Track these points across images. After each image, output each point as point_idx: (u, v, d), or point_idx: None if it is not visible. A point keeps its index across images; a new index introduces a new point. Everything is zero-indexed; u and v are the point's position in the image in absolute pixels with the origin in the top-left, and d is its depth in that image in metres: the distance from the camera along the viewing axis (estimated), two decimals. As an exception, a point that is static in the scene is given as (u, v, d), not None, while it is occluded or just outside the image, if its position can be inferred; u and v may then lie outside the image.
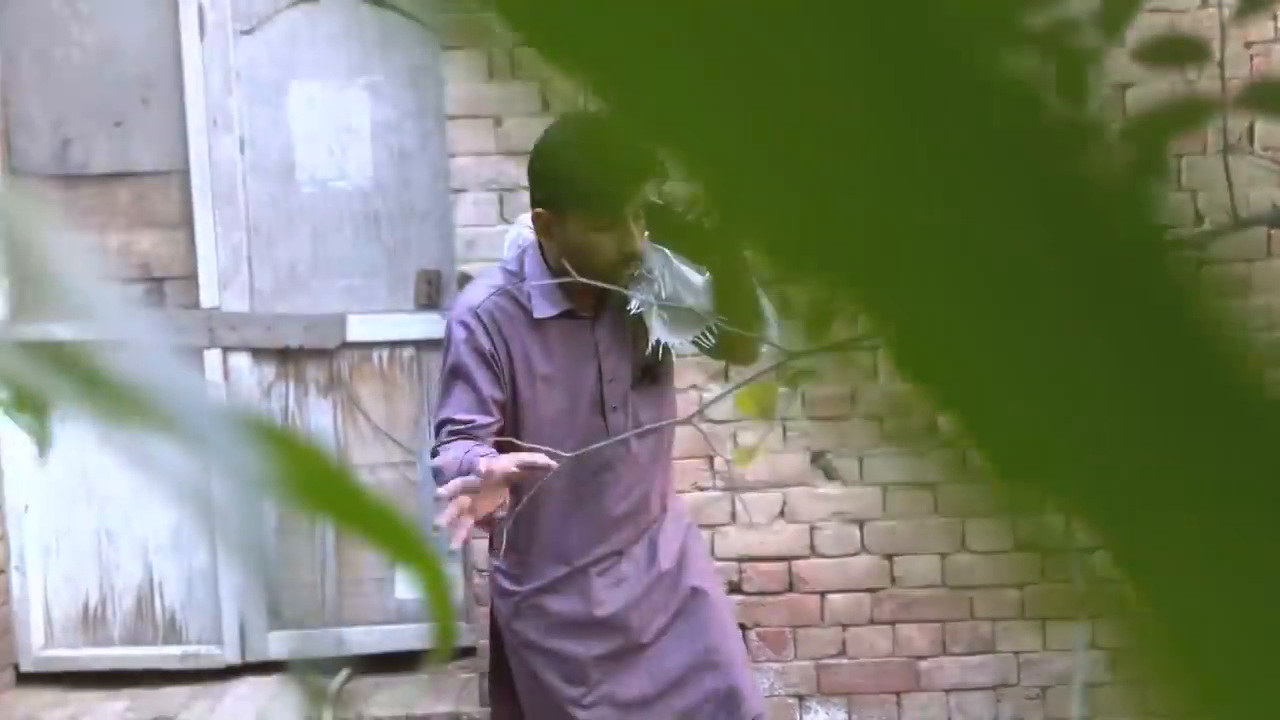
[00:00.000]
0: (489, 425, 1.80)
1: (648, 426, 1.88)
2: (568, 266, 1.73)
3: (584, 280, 1.66)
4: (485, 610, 2.91)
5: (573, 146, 1.69)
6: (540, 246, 1.84)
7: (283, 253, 3.24)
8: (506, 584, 1.96)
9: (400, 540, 0.27)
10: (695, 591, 1.97)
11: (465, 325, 1.80)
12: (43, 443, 1.03)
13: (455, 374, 1.81)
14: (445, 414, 1.82)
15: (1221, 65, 0.59)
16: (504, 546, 1.94)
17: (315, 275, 3.25)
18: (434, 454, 1.83)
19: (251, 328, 3.22)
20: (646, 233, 1.80)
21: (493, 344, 1.80)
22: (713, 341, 1.84)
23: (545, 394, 1.84)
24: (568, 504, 1.89)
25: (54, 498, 3.28)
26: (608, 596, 1.93)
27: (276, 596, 3.28)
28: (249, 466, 0.24)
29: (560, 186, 1.70)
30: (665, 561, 1.95)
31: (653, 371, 1.89)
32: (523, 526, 1.89)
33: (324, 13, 3.20)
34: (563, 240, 1.74)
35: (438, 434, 1.85)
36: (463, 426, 1.80)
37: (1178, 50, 0.56)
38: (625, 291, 1.78)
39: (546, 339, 1.83)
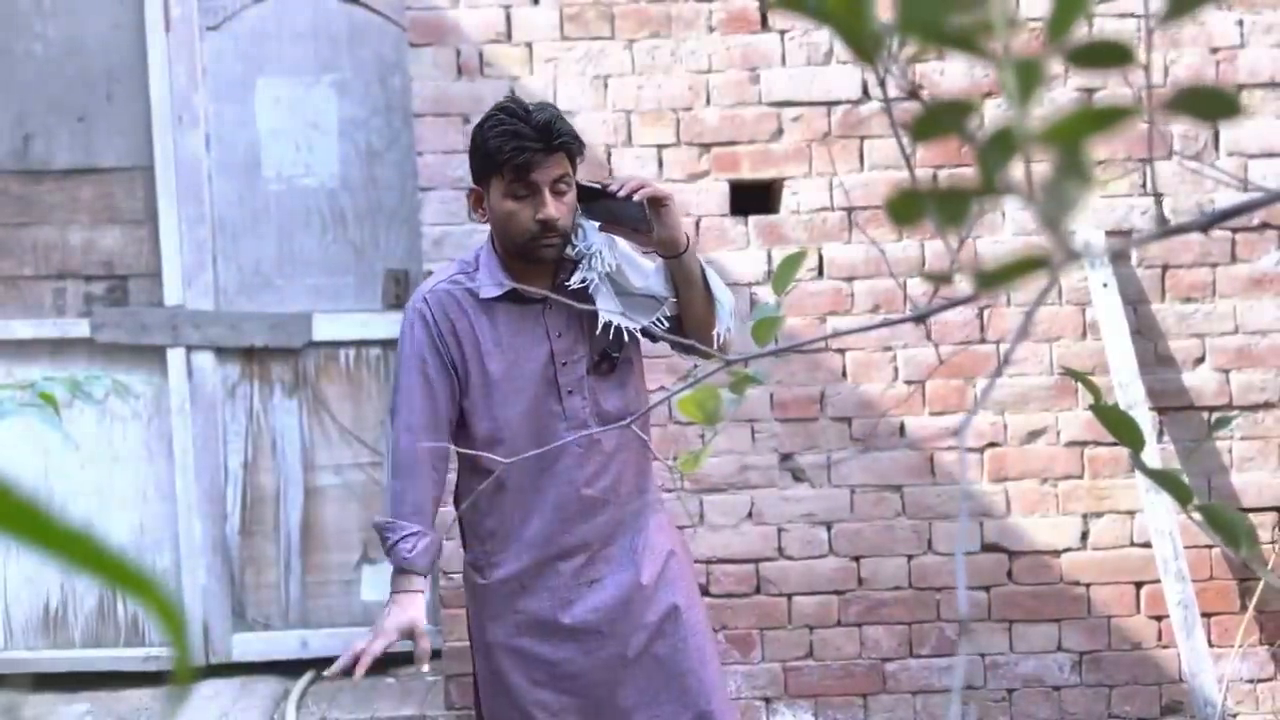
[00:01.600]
0: (439, 420, 1.86)
1: (599, 428, 1.87)
2: (504, 247, 1.83)
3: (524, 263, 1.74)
4: (452, 613, 2.90)
5: (492, 122, 1.79)
6: (491, 238, 1.90)
7: (248, 250, 3.21)
8: (476, 578, 1.95)
9: (104, 563, 0.26)
10: (674, 610, 1.93)
11: (415, 310, 1.88)
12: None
13: (407, 360, 1.88)
14: (398, 402, 1.89)
15: (1147, 69, 0.58)
16: (468, 536, 1.96)
17: (281, 273, 3.22)
18: (394, 460, 1.89)
19: (216, 326, 3.18)
20: (594, 221, 1.84)
21: (439, 329, 1.86)
22: (665, 325, 1.86)
23: (496, 375, 1.86)
24: (527, 491, 1.89)
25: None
26: (578, 598, 1.90)
27: (241, 598, 3.25)
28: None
29: (481, 160, 1.81)
30: (646, 576, 1.92)
31: (611, 358, 1.89)
32: (484, 516, 1.91)
33: (291, 9, 3.17)
34: (491, 212, 1.83)
35: (392, 420, 1.91)
36: (415, 436, 1.85)
37: (1105, 53, 0.55)
38: (573, 268, 1.83)
39: (495, 321, 1.86)
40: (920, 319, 0.68)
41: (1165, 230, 0.53)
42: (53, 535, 0.24)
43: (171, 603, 0.28)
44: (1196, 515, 0.76)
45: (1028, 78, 0.48)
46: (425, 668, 1.84)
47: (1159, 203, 2.74)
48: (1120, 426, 0.81)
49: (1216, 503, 0.65)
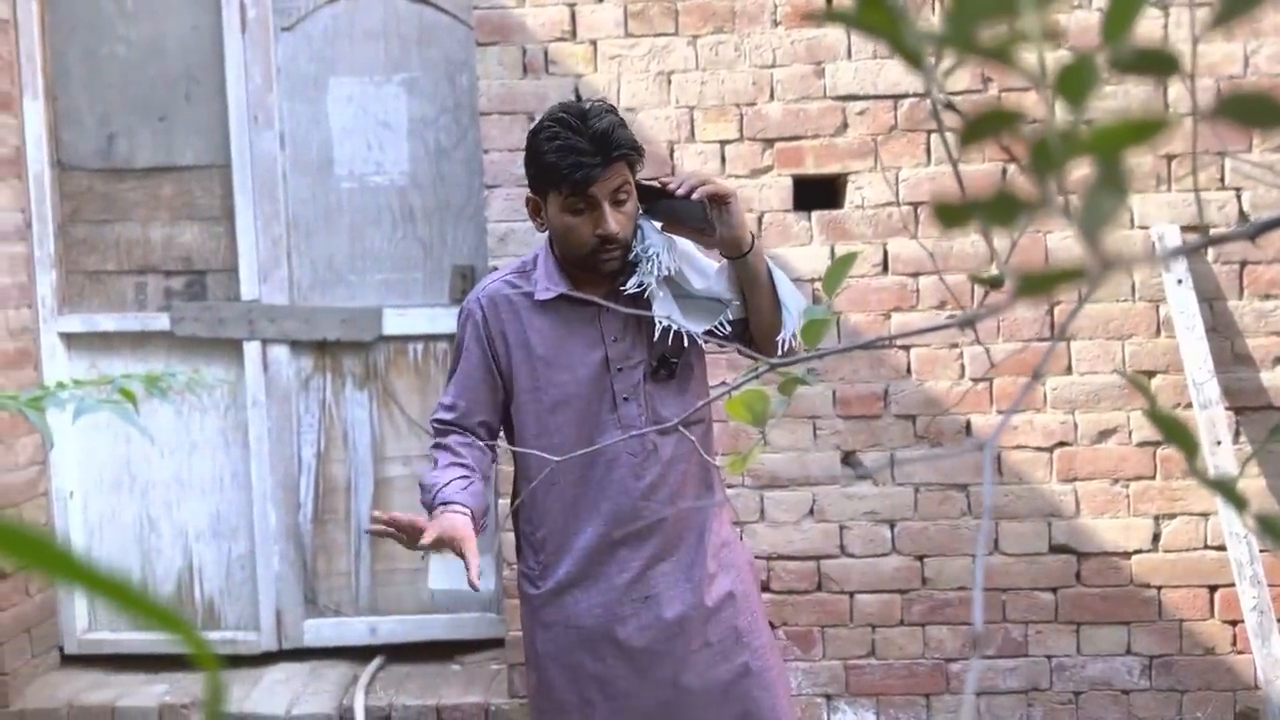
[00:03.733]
0: (477, 411, 1.84)
1: (656, 425, 1.81)
2: (562, 253, 1.80)
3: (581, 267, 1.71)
4: (514, 602, 2.94)
5: (548, 134, 1.72)
6: (550, 240, 1.85)
7: (321, 246, 3.29)
8: (528, 588, 1.90)
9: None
10: (736, 633, 1.85)
11: (468, 310, 1.86)
12: (48, 436, 1.06)
13: (457, 356, 1.87)
14: (445, 396, 1.89)
15: (1192, 76, 0.58)
16: (521, 547, 1.92)
17: (353, 269, 3.29)
18: (434, 434, 1.88)
19: (290, 320, 3.26)
20: (655, 221, 1.80)
21: (488, 330, 1.83)
22: (728, 330, 1.79)
23: (546, 378, 1.81)
24: (578, 499, 1.83)
25: (98, 485, 3.36)
26: (632, 614, 1.83)
27: (313, 585, 3.34)
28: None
29: (538, 172, 1.74)
30: (709, 597, 1.84)
31: (670, 364, 1.82)
32: (536, 526, 1.86)
33: (362, 9, 3.23)
34: (549, 222, 1.78)
35: (436, 410, 1.90)
36: (454, 415, 1.85)
37: (1152, 61, 0.55)
38: (631, 270, 1.78)
39: (548, 323, 1.82)
40: (966, 324, 0.68)
41: (1207, 240, 0.53)
42: (92, 580, 0.27)
43: (203, 642, 0.30)
44: (1252, 523, 0.75)
45: (1075, 83, 0.48)
46: (475, 578, 1.66)
47: (1199, 204, 2.66)
48: (1174, 432, 0.80)
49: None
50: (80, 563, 0.27)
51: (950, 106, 0.56)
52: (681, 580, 1.85)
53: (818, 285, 2.84)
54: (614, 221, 1.71)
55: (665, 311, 1.76)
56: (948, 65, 0.56)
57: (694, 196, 1.73)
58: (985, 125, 0.59)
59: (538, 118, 2.82)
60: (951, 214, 0.62)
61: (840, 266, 0.92)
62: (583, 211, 1.72)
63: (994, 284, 0.79)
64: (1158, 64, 0.54)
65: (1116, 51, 0.55)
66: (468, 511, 1.71)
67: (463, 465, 1.79)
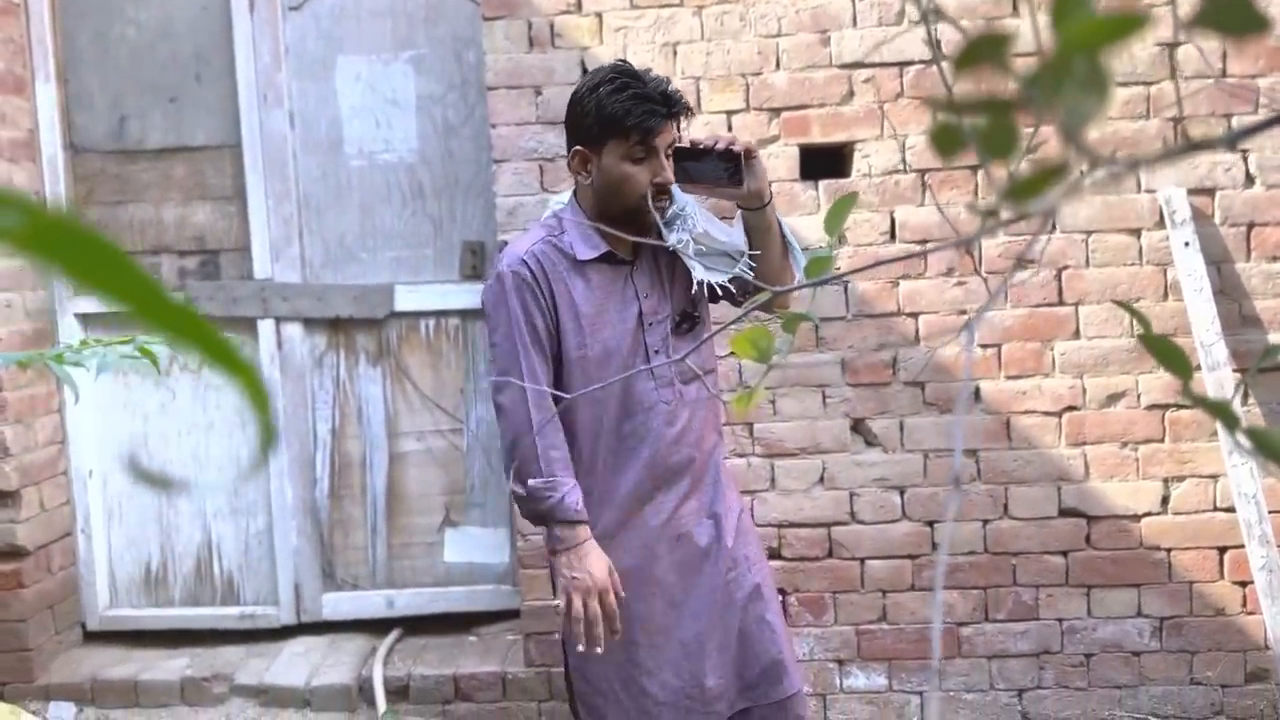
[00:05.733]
0: (547, 374, 1.88)
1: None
2: (602, 209, 1.88)
3: (618, 232, 1.75)
4: (530, 573, 2.97)
5: (615, 85, 1.82)
6: (576, 198, 1.93)
7: (332, 224, 3.32)
8: None
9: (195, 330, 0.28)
10: (746, 560, 2.01)
11: (514, 274, 1.86)
12: (73, 388, 1.08)
13: (512, 323, 1.85)
14: (508, 365, 1.86)
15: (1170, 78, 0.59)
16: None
17: (364, 246, 3.32)
18: (517, 422, 1.86)
19: (303, 298, 3.30)
20: (678, 183, 1.88)
21: (540, 289, 1.87)
22: (751, 275, 1.91)
23: (591, 334, 1.89)
24: (618, 449, 1.93)
25: (117, 464, 3.40)
26: (665, 552, 1.95)
27: (330, 559, 3.38)
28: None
29: (599, 122, 1.82)
30: (727, 535, 1.99)
31: (692, 317, 1.96)
32: (583, 475, 1.93)
33: (369, -13, 3.25)
34: (600, 174, 1.85)
35: (500, 384, 1.88)
36: (544, 403, 1.85)
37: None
38: (659, 227, 1.87)
39: (589, 282, 1.90)
40: (963, 245, 0.70)
41: (1186, 147, 0.54)
42: (134, 289, 0.28)
43: (250, 366, 0.31)
44: (1244, 440, 0.77)
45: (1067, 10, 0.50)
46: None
47: (1179, 105, 2.67)
48: (1167, 356, 0.82)
49: (1264, 428, 0.67)
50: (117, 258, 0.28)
51: (937, 52, 0.58)
52: (705, 516, 1.99)
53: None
54: (670, 171, 1.83)
55: (696, 267, 1.89)
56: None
57: (735, 149, 1.84)
58: (979, 51, 0.61)
59: (545, 91, 2.86)
60: (948, 138, 0.64)
61: (840, 207, 0.94)
62: (642, 160, 1.83)
63: (992, 215, 0.81)
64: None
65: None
66: (592, 537, 1.86)
67: (562, 459, 1.86)
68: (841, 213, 0.96)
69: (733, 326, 2.11)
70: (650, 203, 1.82)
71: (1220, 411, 0.81)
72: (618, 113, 1.79)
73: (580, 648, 1.82)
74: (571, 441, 1.90)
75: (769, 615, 2.00)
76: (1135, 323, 2.81)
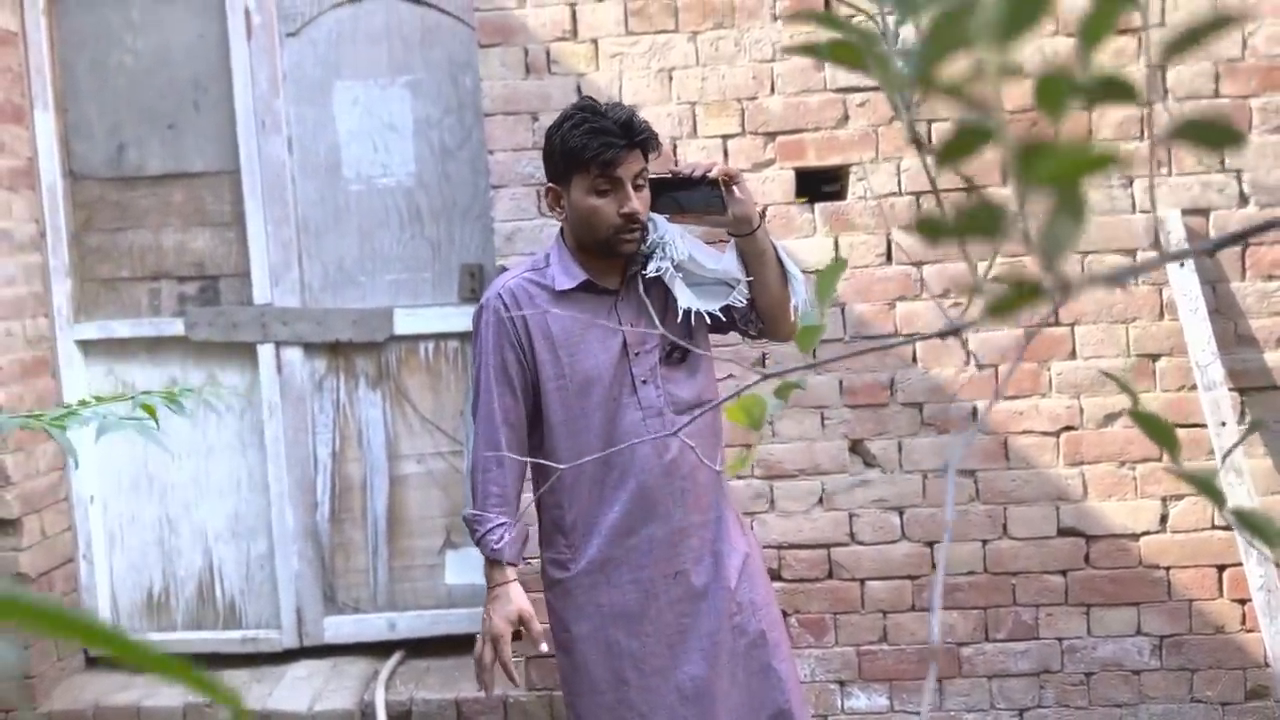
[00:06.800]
0: (514, 409, 1.91)
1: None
2: (579, 241, 1.88)
3: (600, 254, 1.79)
4: (531, 596, 2.98)
5: (574, 121, 1.83)
6: (562, 232, 1.94)
7: (331, 249, 3.33)
8: (558, 573, 1.96)
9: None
10: (752, 605, 1.96)
11: (489, 306, 1.92)
12: (73, 455, 1.09)
13: (484, 355, 1.92)
14: (478, 397, 1.93)
15: (1150, 103, 0.61)
16: (548, 533, 1.98)
17: (363, 270, 3.33)
18: (475, 453, 1.94)
19: (303, 322, 3.31)
20: (665, 214, 1.88)
21: (513, 323, 1.90)
22: (744, 303, 1.89)
23: (570, 364, 1.89)
24: (605, 479, 1.91)
25: (118, 489, 3.41)
26: (663, 590, 1.91)
27: (331, 583, 3.39)
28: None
29: (563, 158, 1.84)
30: (729, 577, 1.94)
31: (682, 347, 1.91)
32: (565, 510, 1.93)
33: (365, 13, 3.26)
34: (571, 209, 1.87)
35: (473, 414, 1.95)
36: (498, 443, 1.90)
37: (1113, 90, 0.58)
38: (646, 258, 1.88)
39: (569, 313, 1.90)
40: (949, 334, 0.71)
41: (1167, 256, 0.55)
42: (102, 638, 0.31)
43: (235, 697, 0.34)
44: (1230, 517, 0.78)
45: (1051, 96, 0.51)
46: (544, 646, 1.90)
47: (1155, 208, 2.68)
48: (1157, 431, 0.83)
49: (1249, 508, 0.68)
50: (89, 623, 0.31)
51: (917, 143, 0.59)
52: (707, 555, 1.95)
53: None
54: (637, 201, 1.83)
55: (683, 295, 1.87)
56: (917, 99, 0.59)
57: (711, 175, 1.83)
58: (960, 145, 0.62)
59: (541, 117, 2.88)
60: (933, 229, 0.65)
61: (831, 273, 0.95)
62: (608, 193, 1.83)
63: (976, 293, 0.82)
64: (1119, 92, 0.57)
65: (1082, 79, 0.58)
66: (513, 573, 1.90)
67: (501, 500, 1.90)
68: (831, 280, 0.97)
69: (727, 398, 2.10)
70: (621, 235, 1.83)
71: (1205, 487, 0.82)
72: (576, 147, 1.81)
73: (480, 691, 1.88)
74: (551, 471, 1.89)
75: (775, 662, 1.95)
76: (1132, 353, 2.82)
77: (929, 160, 0.64)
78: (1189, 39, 0.58)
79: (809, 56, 0.61)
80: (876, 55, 0.59)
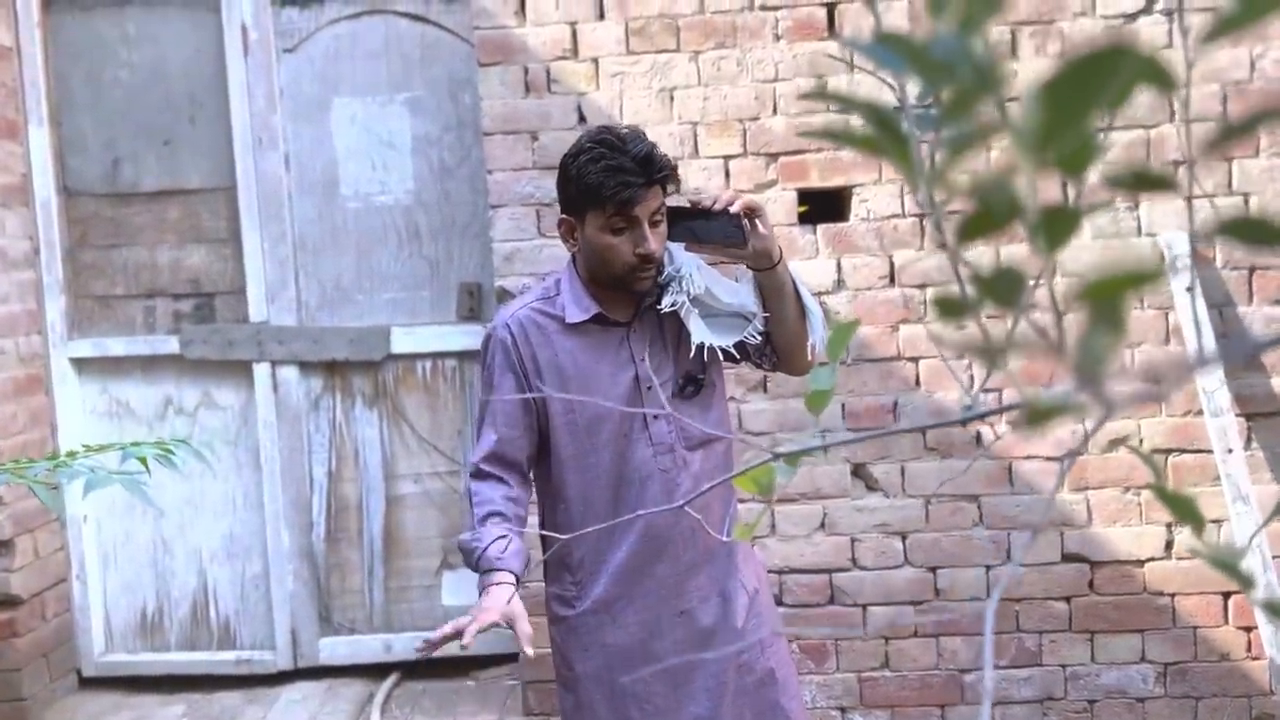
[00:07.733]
0: (516, 446, 1.85)
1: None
2: (592, 274, 1.81)
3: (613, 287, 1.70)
4: (532, 620, 2.95)
5: (592, 155, 1.75)
6: (574, 260, 1.87)
7: (328, 267, 3.29)
8: (563, 610, 1.91)
9: None
10: (760, 645, 1.91)
11: (496, 336, 1.86)
12: (58, 508, 1.06)
13: (488, 383, 1.86)
14: (481, 440, 1.87)
15: (1190, 190, 0.58)
16: (553, 569, 1.92)
17: (360, 288, 3.30)
18: (473, 475, 1.87)
19: (299, 341, 3.27)
20: (682, 244, 1.81)
21: (520, 354, 1.83)
22: (759, 339, 1.83)
23: (579, 401, 1.82)
24: (613, 517, 1.83)
25: (112, 509, 3.37)
26: (669, 629, 1.87)
27: (327, 603, 3.35)
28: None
29: (579, 192, 1.76)
30: (737, 616, 1.89)
31: (697, 381, 1.85)
32: (572, 547, 1.87)
33: (363, 29, 3.23)
34: (585, 242, 1.79)
35: (477, 438, 1.89)
36: (494, 461, 1.84)
37: (1145, 180, 0.55)
38: (661, 291, 1.80)
39: (579, 345, 1.83)
40: (967, 422, 0.68)
41: (1204, 360, 0.52)
42: None
43: None
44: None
45: (1057, 229, 0.48)
46: (529, 650, 1.72)
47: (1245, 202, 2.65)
48: (1182, 510, 0.80)
49: (1220, 550, 0.66)
50: None
51: (939, 228, 0.56)
52: (714, 594, 1.89)
53: (825, 298, 2.84)
54: (654, 241, 1.75)
55: (696, 329, 1.80)
56: (940, 200, 0.56)
57: (732, 209, 1.75)
58: (979, 225, 0.59)
59: (541, 136, 2.85)
60: (953, 309, 0.62)
61: (841, 335, 0.92)
62: (623, 231, 1.75)
63: (995, 364, 0.79)
64: (1152, 183, 0.54)
65: (1111, 171, 0.55)
66: (512, 579, 1.74)
67: (501, 518, 1.81)
68: (842, 340, 0.94)
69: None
70: (635, 273, 1.76)
71: (1231, 571, 0.79)
72: (593, 184, 1.73)
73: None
74: (561, 508, 1.85)
75: (784, 700, 1.91)
76: (1125, 446, 2.79)
77: (950, 242, 0.61)
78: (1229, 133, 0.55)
79: (828, 140, 0.58)
80: (897, 146, 0.56)
